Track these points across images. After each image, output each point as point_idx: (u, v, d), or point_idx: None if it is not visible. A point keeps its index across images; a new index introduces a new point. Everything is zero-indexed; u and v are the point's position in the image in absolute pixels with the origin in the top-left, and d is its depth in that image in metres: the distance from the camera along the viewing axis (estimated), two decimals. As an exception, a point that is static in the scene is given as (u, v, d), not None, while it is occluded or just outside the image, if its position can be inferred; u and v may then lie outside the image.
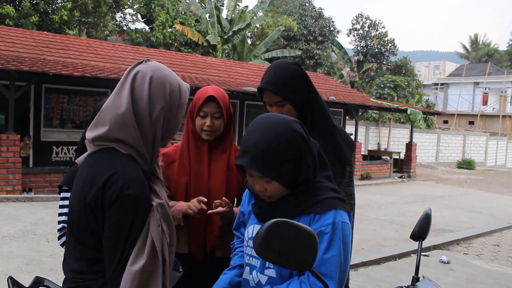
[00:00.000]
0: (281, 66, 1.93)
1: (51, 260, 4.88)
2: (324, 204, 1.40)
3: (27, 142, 9.65)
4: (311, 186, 1.43)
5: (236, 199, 2.28)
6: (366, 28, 29.72)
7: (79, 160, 1.47)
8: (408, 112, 15.25)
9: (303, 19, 27.95)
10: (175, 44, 20.12)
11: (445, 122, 32.28)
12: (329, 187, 1.46)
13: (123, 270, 1.26)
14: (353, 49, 30.11)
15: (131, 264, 1.26)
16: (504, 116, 30.62)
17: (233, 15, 22.34)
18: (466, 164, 21.80)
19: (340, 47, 27.91)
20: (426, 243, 6.01)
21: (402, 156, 16.67)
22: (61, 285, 1.48)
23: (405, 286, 1.87)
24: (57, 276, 4.26)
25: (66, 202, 1.98)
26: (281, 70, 1.89)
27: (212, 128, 2.08)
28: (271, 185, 1.40)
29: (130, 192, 1.27)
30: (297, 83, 1.88)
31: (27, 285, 1.70)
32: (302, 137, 1.40)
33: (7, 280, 1.67)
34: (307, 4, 29.31)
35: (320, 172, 1.46)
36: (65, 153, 10.50)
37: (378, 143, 19.21)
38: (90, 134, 1.37)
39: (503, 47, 53.50)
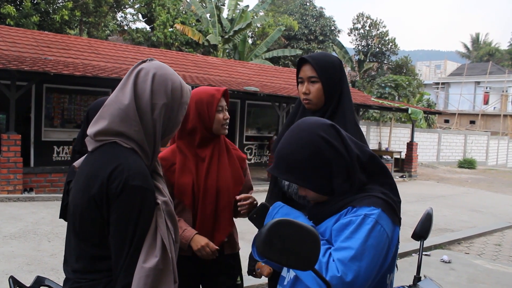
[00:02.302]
0: (325, 52, 2.23)
1: (52, 260, 4.89)
2: (365, 200, 1.32)
3: None
4: (355, 188, 1.36)
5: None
6: (367, 28, 29.70)
7: (77, 162, 1.47)
8: (409, 111, 15.24)
9: (304, 18, 27.93)
10: (176, 43, 20.13)
11: (446, 121, 32.25)
12: (379, 189, 1.37)
13: (132, 262, 1.27)
14: (354, 48, 30.10)
15: (143, 262, 1.27)
16: (505, 116, 30.58)
17: (234, 15, 22.33)
18: (467, 164, 21.77)
19: (341, 46, 27.90)
20: (427, 242, 5.98)
21: (403, 155, 16.65)
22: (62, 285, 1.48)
23: (406, 286, 1.87)
24: (58, 275, 4.26)
25: None
26: (324, 54, 2.09)
27: (228, 120, 2.21)
28: (307, 191, 1.40)
29: (136, 182, 1.28)
30: (334, 68, 2.02)
31: (28, 285, 1.70)
32: (328, 142, 1.35)
33: (9, 279, 1.67)
34: (308, 4, 29.29)
35: (374, 179, 1.39)
36: (66, 153, 10.51)
37: (379, 143, 19.20)
38: (92, 129, 1.38)
39: (504, 46, 53.45)
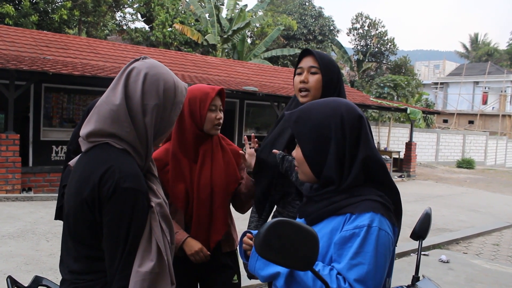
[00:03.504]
0: (326, 53, 2.23)
1: (50, 260, 4.88)
2: (363, 205, 1.28)
3: None
4: (346, 185, 1.32)
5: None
6: (366, 28, 29.72)
7: (72, 162, 1.46)
8: (408, 111, 15.25)
9: (303, 18, 27.93)
10: (175, 43, 20.11)
11: (445, 121, 32.28)
12: (375, 192, 1.33)
13: (127, 265, 1.26)
14: (353, 48, 30.11)
15: (138, 266, 1.26)
16: (503, 116, 30.62)
17: (232, 14, 22.32)
18: (466, 164, 21.80)
19: (340, 46, 27.91)
20: (425, 242, 6.00)
21: (401, 155, 16.67)
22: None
23: (405, 286, 1.87)
24: (57, 275, 4.26)
25: None
26: (327, 54, 2.18)
27: (221, 120, 2.15)
28: (298, 152, 1.41)
29: (128, 184, 1.26)
30: (334, 66, 2.07)
31: (26, 285, 1.69)
32: (342, 125, 1.32)
33: (6, 279, 1.66)
34: (307, 3, 29.29)
35: (373, 183, 1.35)
36: (64, 153, 10.49)
37: (378, 143, 19.21)
38: (84, 130, 1.37)
39: (503, 46, 53.49)
